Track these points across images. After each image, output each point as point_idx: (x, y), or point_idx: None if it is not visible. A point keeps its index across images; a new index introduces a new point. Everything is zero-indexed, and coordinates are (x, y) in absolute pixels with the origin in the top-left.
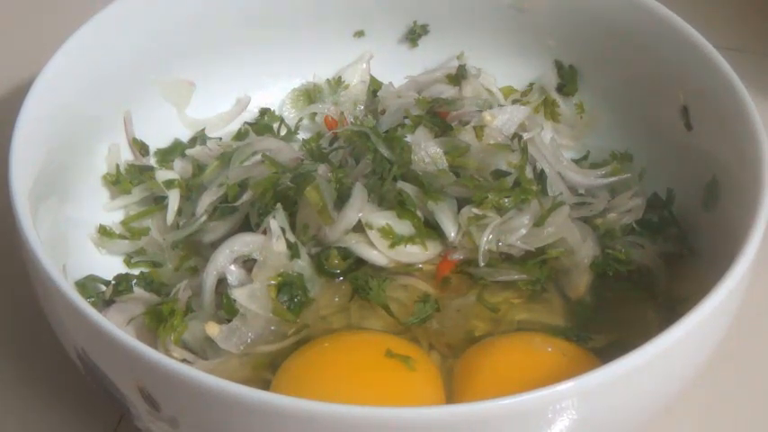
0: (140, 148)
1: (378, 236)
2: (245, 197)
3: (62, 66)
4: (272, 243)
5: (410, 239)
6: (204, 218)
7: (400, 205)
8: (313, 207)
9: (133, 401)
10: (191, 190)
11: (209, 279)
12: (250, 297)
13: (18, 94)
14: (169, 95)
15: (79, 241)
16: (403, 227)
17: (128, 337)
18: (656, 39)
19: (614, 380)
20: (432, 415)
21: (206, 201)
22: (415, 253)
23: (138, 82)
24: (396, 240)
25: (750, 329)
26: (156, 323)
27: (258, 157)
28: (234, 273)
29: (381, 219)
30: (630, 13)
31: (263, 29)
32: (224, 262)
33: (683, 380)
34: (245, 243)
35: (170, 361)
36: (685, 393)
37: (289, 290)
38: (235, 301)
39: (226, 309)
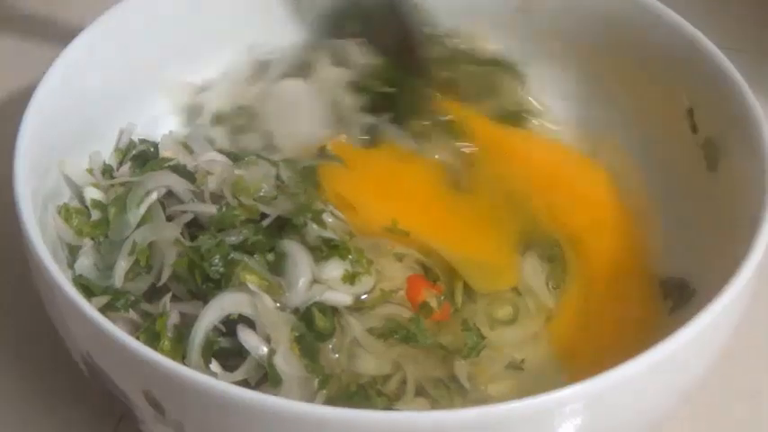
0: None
1: (340, 284)
2: (166, 272)
3: (67, 68)
4: (261, 299)
5: (362, 273)
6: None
7: (333, 249)
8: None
9: (138, 405)
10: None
11: (198, 336)
12: (285, 361)
13: (22, 96)
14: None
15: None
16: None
17: (135, 342)
18: (660, 41)
19: (619, 384)
20: (432, 419)
21: (120, 272)
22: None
23: (142, 84)
24: (352, 278)
25: (756, 333)
26: (152, 342)
27: (154, 196)
28: (250, 340)
29: (334, 270)
30: (634, 15)
31: (264, 28)
32: (213, 320)
33: (688, 385)
34: (235, 302)
35: (175, 366)
36: (691, 398)
37: (307, 342)
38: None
39: (272, 381)
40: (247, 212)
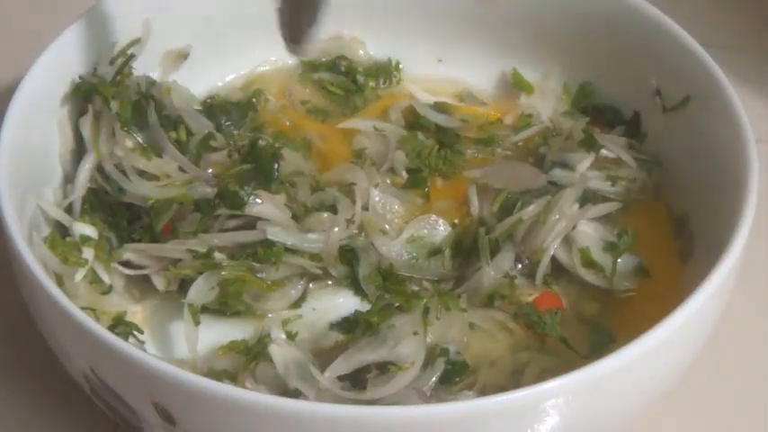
0: None
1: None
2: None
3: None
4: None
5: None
6: None
7: None
8: None
9: (147, 419)
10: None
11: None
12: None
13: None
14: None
15: None
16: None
17: (144, 355)
18: (626, 23)
19: (602, 378)
20: (417, 414)
21: None
22: None
23: None
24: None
25: (736, 330)
26: None
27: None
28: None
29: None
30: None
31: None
32: None
33: (670, 378)
34: None
35: (188, 375)
36: (673, 392)
37: None
38: None
39: None
40: None
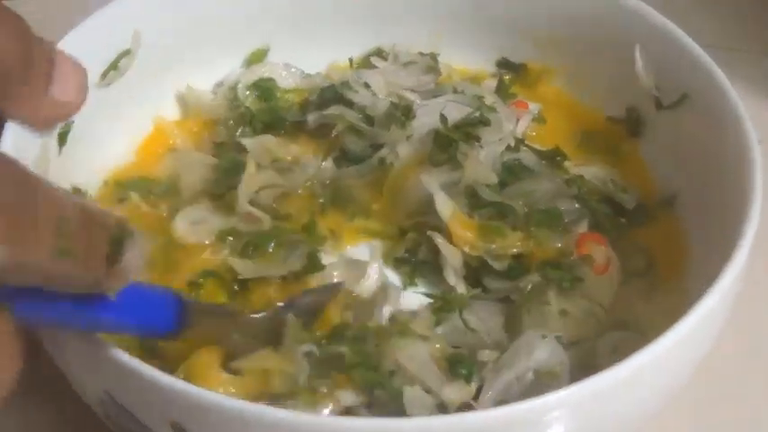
0: None
1: None
2: None
3: None
4: None
5: None
6: None
7: None
8: None
9: None
10: None
11: None
12: None
13: None
14: None
15: None
16: None
17: (163, 375)
18: (626, 22)
19: (606, 389)
20: (418, 426)
21: None
22: None
23: None
24: None
25: (746, 328)
26: None
27: None
28: None
29: None
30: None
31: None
32: None
33: (674, 386)
34: None
35: (209, 394)
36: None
37: None
38: None
39: None
40: None
